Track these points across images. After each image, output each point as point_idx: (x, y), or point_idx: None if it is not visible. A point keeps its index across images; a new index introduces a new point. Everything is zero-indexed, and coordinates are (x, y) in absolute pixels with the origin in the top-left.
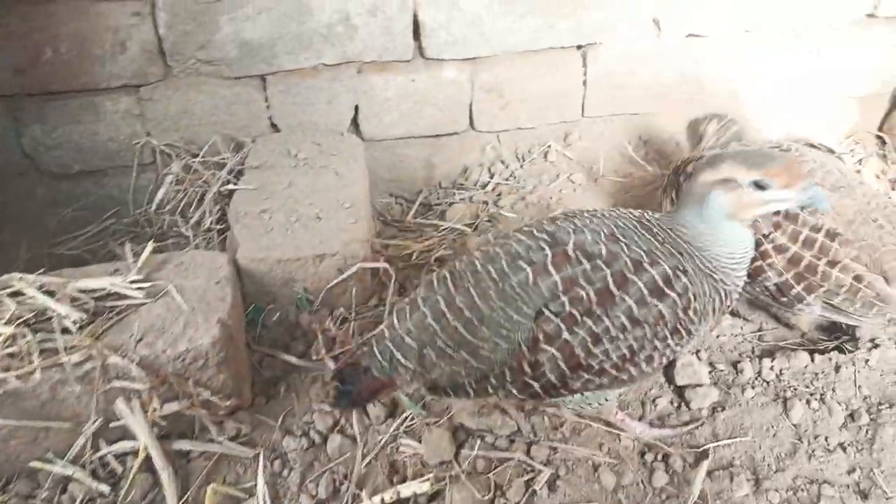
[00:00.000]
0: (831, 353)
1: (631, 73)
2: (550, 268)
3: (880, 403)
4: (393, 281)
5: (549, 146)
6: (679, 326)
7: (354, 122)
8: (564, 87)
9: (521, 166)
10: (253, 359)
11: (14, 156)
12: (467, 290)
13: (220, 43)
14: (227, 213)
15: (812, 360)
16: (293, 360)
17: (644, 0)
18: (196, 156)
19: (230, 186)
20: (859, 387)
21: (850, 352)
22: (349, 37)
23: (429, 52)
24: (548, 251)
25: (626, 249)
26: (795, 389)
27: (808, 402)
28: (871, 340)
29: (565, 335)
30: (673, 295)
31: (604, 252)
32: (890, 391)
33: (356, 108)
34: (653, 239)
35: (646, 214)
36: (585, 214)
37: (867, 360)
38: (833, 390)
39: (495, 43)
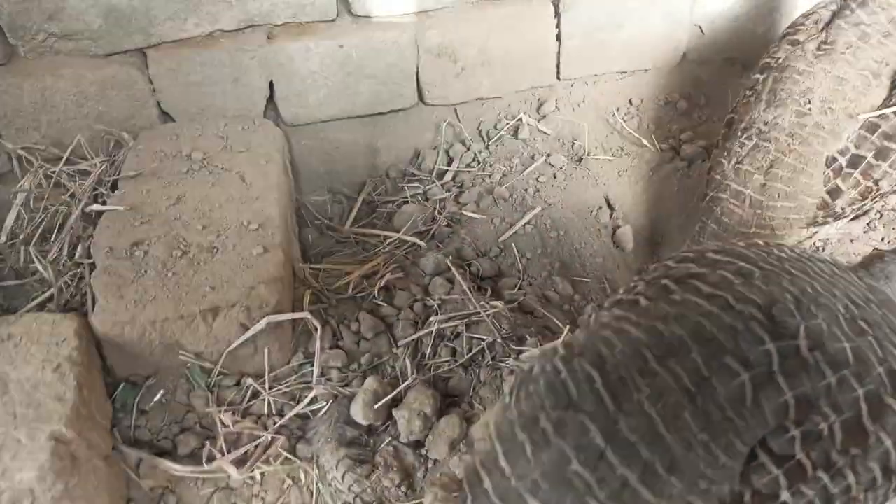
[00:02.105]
0: None
1: (614, 21)
2: (779, 377)
3: None
4: (320, 331)
5: (520, 119)
6: None
7: (272, 104)
8: (534, 45)
9: (487, 147)
10: (125, 464)
11: None
12: (640, 408)
13: (77, 10)
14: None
15: None
16: (176, 468)
17: None
18: (58, 161)
19: (95, 207)
20: None
21: None
22: None
23: (358, 7)
24: (769, 345)
25: (877, 349)
26: None
27: None
28: None
29: (785, 497)
30: None
31: (850, 355)
32: None
33: (271, 85)
34: None
35: (867, 275)
36: (799, 267)
37: None
38: None
39: None
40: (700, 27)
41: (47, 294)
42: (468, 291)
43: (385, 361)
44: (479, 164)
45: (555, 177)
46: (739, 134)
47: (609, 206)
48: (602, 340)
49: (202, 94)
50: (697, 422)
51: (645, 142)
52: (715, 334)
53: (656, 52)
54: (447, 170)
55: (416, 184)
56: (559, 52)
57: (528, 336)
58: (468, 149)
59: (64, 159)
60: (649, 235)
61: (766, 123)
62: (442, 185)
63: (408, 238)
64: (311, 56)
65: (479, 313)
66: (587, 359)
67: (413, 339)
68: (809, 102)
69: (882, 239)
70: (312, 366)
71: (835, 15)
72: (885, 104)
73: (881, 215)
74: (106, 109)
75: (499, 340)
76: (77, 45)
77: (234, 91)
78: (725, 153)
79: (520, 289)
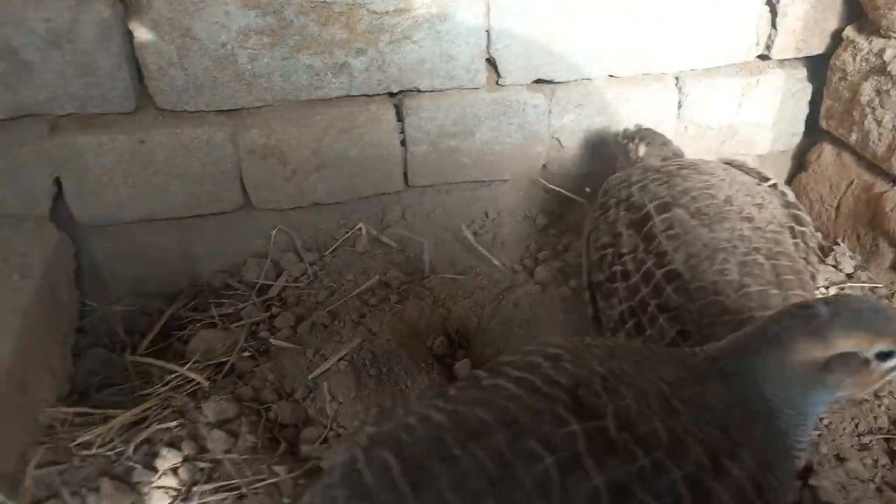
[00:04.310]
0: None
1: (465, 130)
2: (587, 460)
3: None
4: None
5: (360, 229)
6: None
7: (63, 203)
8: (377, 149)
9: (322, 258)
10: None
11: None
12: (439, 496)
13: None
14: None
15: None
16: None
17: (471, 35)
18: None
19: None
20: None
21: None
22: (21, 80)
23: (162, 100)
24: (575, 426)
25: (692, 430)
26: None
27: None
28: None
29: None
30: None
31: (664, 436)
32: None
33: (58, 182)
34: (719, 408)
35: (686, 356)
36: (607, 350)
37: None
38: None
39: (262, 89)
40: (558, 139)
41: None
42: (251, 451)
43: None
44: (309, 278)
45: (387, 299)
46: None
47: (448, 335)
48: (403, 427)
49: None
50: None
51: (496, 262)
52: (518, 416)
53: (514, 162)
54: (272, 284)
55: (232, 300)
56: (405, 159)
57: None
58: (301, 260)
59: None
60: None
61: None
62: (263, 303)
63: (192, 374)
64: (105, 152)
65: (265, 479)
66: (386, 446)
67: None
68: None
69: None
70: None
71: None
72: None
73: None
74: None
75: None
76: None
77: (11, 187)
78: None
79: (324, 441)
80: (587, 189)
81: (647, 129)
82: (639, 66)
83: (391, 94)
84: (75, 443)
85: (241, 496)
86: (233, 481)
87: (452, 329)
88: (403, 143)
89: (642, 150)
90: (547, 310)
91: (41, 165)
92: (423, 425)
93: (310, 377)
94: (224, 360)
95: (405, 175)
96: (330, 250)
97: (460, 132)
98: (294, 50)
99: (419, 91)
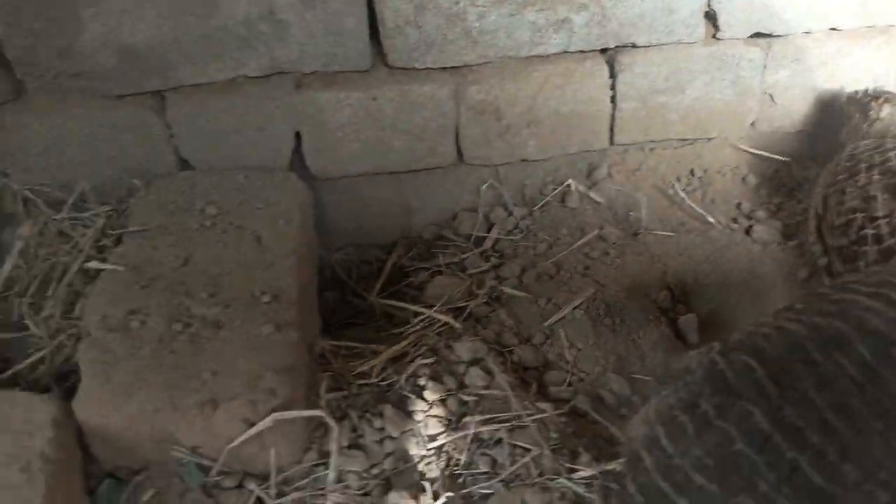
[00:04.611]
0: None
1: (676, 85)
2: None
3: None
4: (336, 431)
5: (569, 185)
6: None
7: (299, 156)
8: (586, 106)
9: (531, 213)
10: None
11: None
12: (804, 395)
13: (89, 48)
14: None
15: None
16: None
17: None
18: (60, 207)
19: (93, 264)
20: None
21: None
22: (278, 38)
23: (394, 58)
24: None
25: None
26: None
27: None
28: None
29: None
30: None
31: None
32: None
33: (298, 136)
34: None
35: None
36: None
37: None
38: None
39: (487, 45)
40: (771, 95)
41: (39, 355)
42: (510, 388)
43: (411, 467)
44: (521, 232)
45: (607, 253)
46: None
47: (670, 289)
48: (759, 335)
49: (224, 143)
50: (869, 410)
51: (710, 218)
52: (879, 327)
53: (722, 119)
54: (486, 236)
55: (451, 250)
56: (613, 115)
57: (581, 449)
58: (510, 214)
59: (68, 206)
60: (716, 326)
61: None
62: (481, 254)
63: (441, 317)
64: (342, 107)
65: (521, 416)
66: (745, 351)
67: (445, 443)
68: None
69: None
70: (327, 468)
71: None
72: None
73: None
74: (118, 153)
75: (546, 453)
76: (88, 85)
77: (257, 140)
78: None
79: (569, 385)
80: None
81: (889, 91)
82: (861, 19)
83: (604, 51)
84: (354, 373)
85: (513, 428)
86: (502, 414)
87: (672, 284)
88: (613, 99)
89: (885, 111)
90: (768, 269)
91: (286, 120)
92: (779, 334)
93: (546, 324)
94: (462, 304)
95: (611, 132)
96: (539, 205)
97: (671, 88)
98: (520, 7)
99: (634, 46)
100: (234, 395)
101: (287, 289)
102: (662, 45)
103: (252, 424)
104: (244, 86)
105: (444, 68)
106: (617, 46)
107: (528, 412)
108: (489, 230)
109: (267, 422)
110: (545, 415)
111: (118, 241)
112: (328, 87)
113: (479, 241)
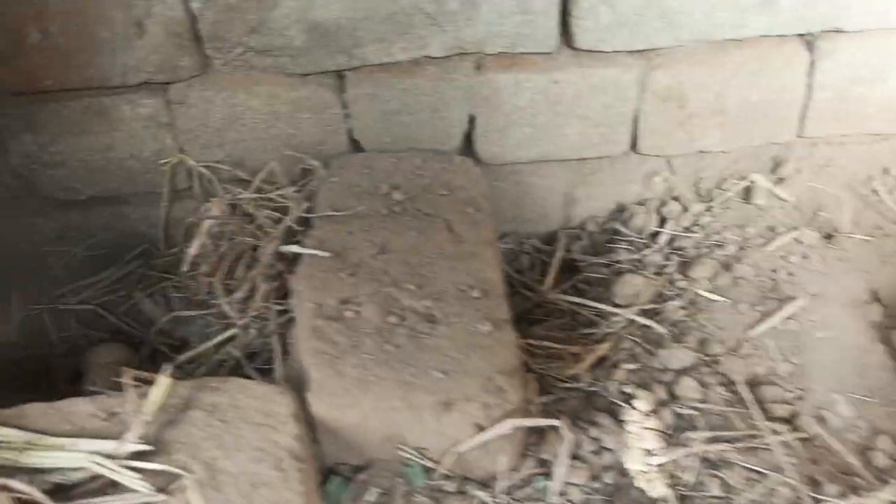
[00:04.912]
0: None
1: (878, 75)
2: None
3: None
4: (566, 442)
5: (753, 181)
6: None
7: (467, 139)
8: (777, 95)
9: (709, 209)
10: None
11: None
12: None
13: (280, 25)
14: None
15: None
16: None
17: None
18: (247, 184)
19: (294, 248)
20: None
21: None
22: (467, 17)
23: (581, 39)
24: None
25: None
26: None
27: None
28: None
29: None
30: None
31: None
32: None
33: (471, 119)
34: None
35: None
36: None
37: None
38: None
39: (682, 27)
40: None
41: (228, 334)
42: (728, 404)
43: (630, 483)
44: (701, 229)
45: (805, 257)
46: None
47: (878, 300)
48: None
49: (397, 124)
50: None
51: None
52: None
53: None
54: (661, 231)
55: (623, 244)
56: (806, 106)
57: (821, 478)
58: (685, 209)
59: (253, 186)
60: None
61: None
62: (659, 251)
63: (643, 320)
64: (521, 90)
65: (754, 437)
66: None
67: (670, 460)
68: None
69: None
70: (547, 478)
71: None
72: None
73: None
74: (295, 132)
75: (792, 482)
76: (275, 62)
77: (429, 122)
78: None
79: (786, 403)
80: None
81: None
82: None
83: (802, 35)
84: (564, 375)
85: (746, 449)
86: (727, 432)
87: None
88: (809, 87)
89: None
90: None
91: (462, 102)
92: None
93: (750, 334)
94: (653, 307)
95: (801, 124)
96: (720, 201)
97: (871, 78)
98: None
99: (838, 32)
100: (468, 397)
101: (494, 283)
102: (872, 30)
103: (482, 428)
104: (424, 66)
105: (632, 52)
106: (821, 31)
107: (757, 432)
108: (662, 224)
109: (504, 428)
110: (783, 438)
111: (305, 223)
112: (508, 69)
113: (653, 235)
